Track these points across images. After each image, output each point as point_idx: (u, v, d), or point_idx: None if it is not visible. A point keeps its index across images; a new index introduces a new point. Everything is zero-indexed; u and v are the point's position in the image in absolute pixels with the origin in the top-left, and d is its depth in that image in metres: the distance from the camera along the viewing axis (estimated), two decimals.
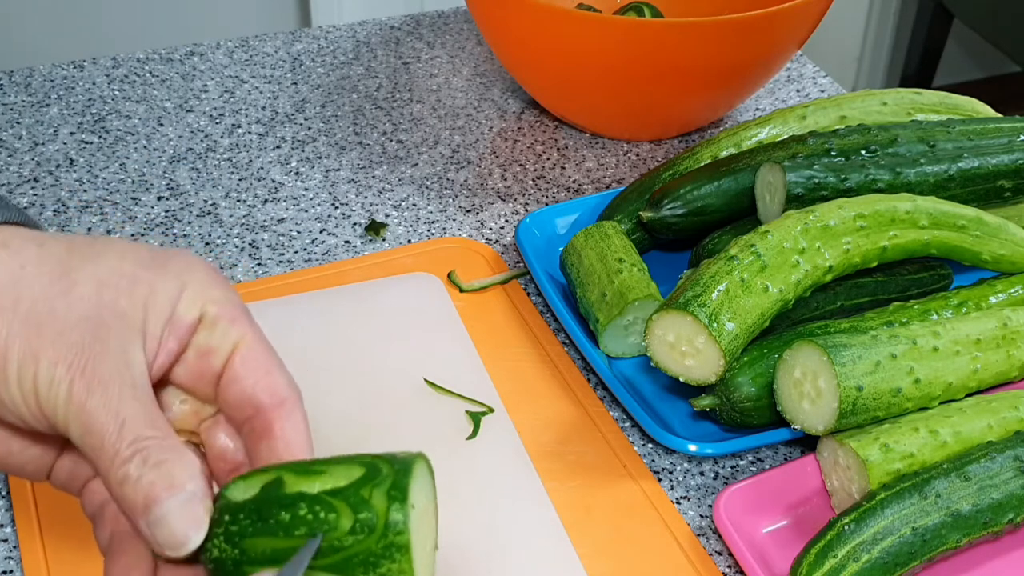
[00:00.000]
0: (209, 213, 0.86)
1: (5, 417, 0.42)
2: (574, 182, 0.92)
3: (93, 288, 0.41)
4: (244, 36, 1.11)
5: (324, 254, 0.83)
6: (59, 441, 0.45)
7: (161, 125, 0.97)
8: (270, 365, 0.44)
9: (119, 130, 0.96)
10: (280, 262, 0.82)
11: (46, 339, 0.40)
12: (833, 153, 0.75)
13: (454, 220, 0.87)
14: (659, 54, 0.85)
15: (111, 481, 0.39)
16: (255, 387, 0.43)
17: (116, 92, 1.01)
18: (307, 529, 0.39)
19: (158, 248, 0.45)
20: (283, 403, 0.43)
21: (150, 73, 1.04)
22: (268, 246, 0.83)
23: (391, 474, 0.40)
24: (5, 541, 0.61)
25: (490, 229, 0.86)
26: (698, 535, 0.63)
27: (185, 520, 0.39)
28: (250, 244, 0.83)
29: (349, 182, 0.91)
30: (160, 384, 0.44)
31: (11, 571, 0.60)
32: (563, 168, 0.94)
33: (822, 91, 1.06)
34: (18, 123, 0.96)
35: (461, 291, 0.79)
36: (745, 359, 0.66)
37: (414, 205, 0.88)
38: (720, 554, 0.62)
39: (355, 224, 0.86)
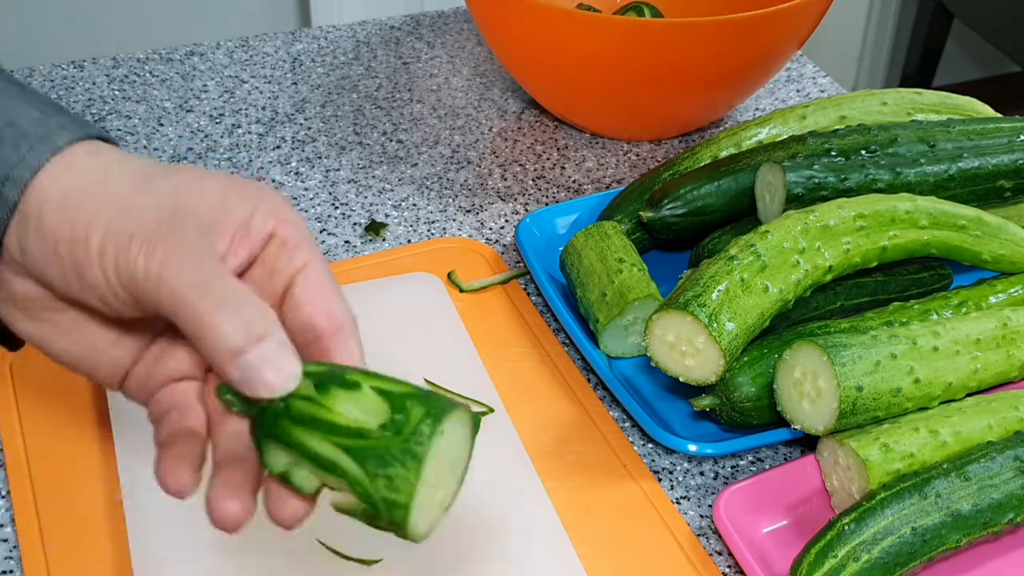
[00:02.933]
0: None
1: (90, 302, 0.44)
2: (574, 182, 0.92)
3: (170, 190, 0.44)
4: (244, 36, 1.11)
5: (324, 254, 0.83)
6: (141, 339, 0.48)
7: (161, 125, 0.97)
8: (330, 292, 0.46)
9: (119, 130, 0.96)
10: None
11: (124, 222, 0.43)
12: (833, 153, 0.75)
13: (454, 220, 0.87)
14: (659, 54, 0.85)
15: (200, 332, 0.42)
16: (314, 313, 0.45)
17: (116, 92, 1.01)
18: (349, 409, 0.42)
19: (236, 178, 0.47)
20: (339, 329, 0.45)
21: (150, 73, 1.04)
22: None
23: (438, 401, 0.42)
24: (5, 541, 0.61)
25: (490, 229, 0.86)
26: (698, 535, 0.63)
27: (280, 363, 0.42)
28: None
29: (349, 182, 0.91)
30: None
31: (11, 571, 0.60)
32: (563, 168, 0.94)
33: (822, 91, 1.06)
34: None
35: (461, 291, 0.79)
36: (745, 359, 0.66)
37: (414, 205, 0.88)
38: (720, 554, 0.62)
39: (355, 224, 0.86)
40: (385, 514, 0.41)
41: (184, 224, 0.43)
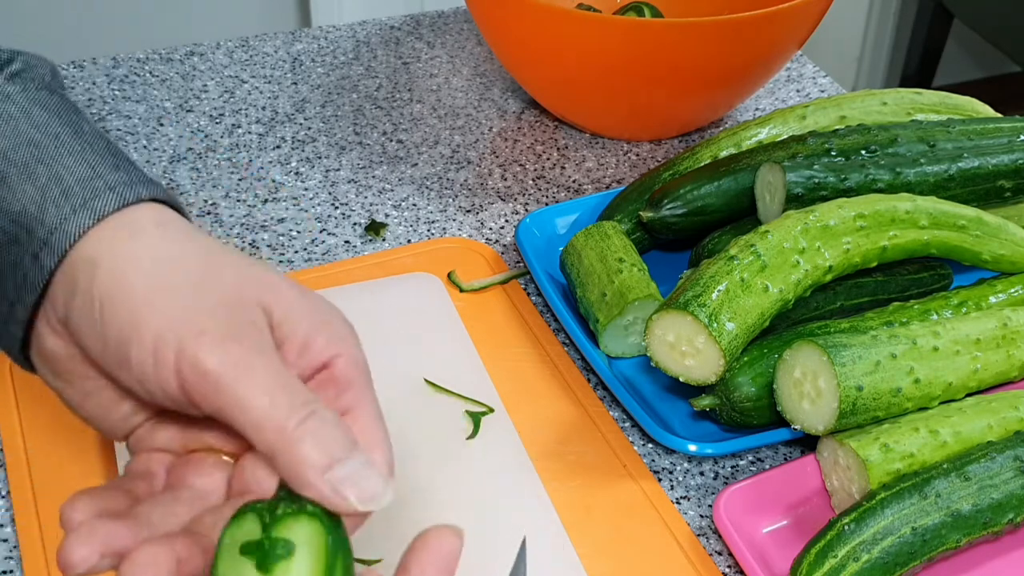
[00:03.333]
0: (209, 213, 0.86)
1: (128, 384, 0.41)
2: (574, 182, 0.92)
3: (238, 283, 0.41)
4: (244, 36, 1.11)
5: (324, 254, 0.83)
6: (155, 409, 0.44)
7: (161, 125, 0.97)
8: (371, 437, 0.42)
9: (119, 130, 0.96)
10: (280, 262, 0.82)
11: (191, 312, 0.39)
12: (833, 153, 0.75)
13: (454, 220, 0.87)
14: (659, 54, 0.85)
15: (283, 448, 0.38)
16: None
17: (116, 92, 1.01)
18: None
19: (306, 289, 0.44)
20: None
21: (150, 73, 1.04)
22: (268, 246, 0.83)
23: None
24: (5, 541, 0.61)
25: (490, 229, 0.86)
26: (698, 535, 0.63)
27: (371, 475, 0.39)
28: (250, 244, 0.83)
29: (349, 182, 0.91)
30: None
31: (11, 571, 0.60)
32: (563, 168, 0.94)
33: (822, 91, 1.06)
34: None
35: (461, 291, 0.79)
36: (745, 359, 0.66)
37: (414, 205, 0.88)
38: (720, 554, 0.62)
39: (355, 224, 0.86)
40: None
41: (259, 322, 0.40)
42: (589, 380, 0.73)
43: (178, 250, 0.41)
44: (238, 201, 0.88)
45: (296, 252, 0.83)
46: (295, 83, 1.04)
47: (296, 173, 0.92)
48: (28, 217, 0.41)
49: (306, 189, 0.90)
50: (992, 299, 0.72)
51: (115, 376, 0.42)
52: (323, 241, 0.84)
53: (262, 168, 0.92)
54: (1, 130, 0.43)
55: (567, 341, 0.76)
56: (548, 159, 0.95)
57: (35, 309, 0.42)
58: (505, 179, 0.92)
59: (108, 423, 0.45)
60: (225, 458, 0.45)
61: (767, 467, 0.68)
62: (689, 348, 0.65)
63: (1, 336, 0.44)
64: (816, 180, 0.73)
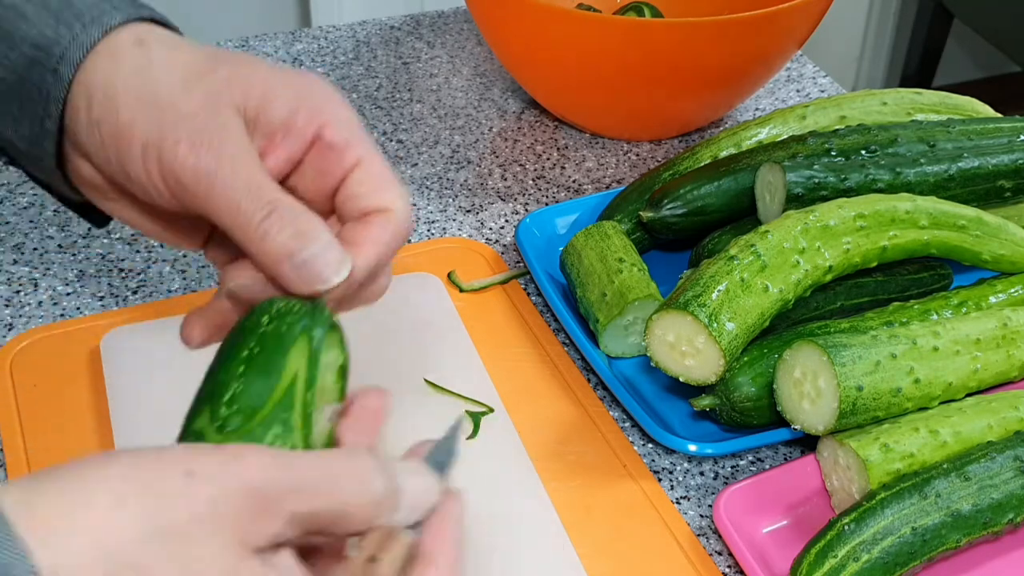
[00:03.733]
0: None
1: (137, 194, 0.46)
2: (574, 182, 0.92)
3: (216, 87, 0.45)
4: (244, 36, 1.11)
5: None
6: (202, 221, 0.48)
7: None
8: (385, 181, 0.46)
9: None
10: None
11: (170, 124, 0.43)
12: (833, 153, 0.75)
13: (454, 220, 0.87)
14: (659, 54, 0.85)
15: (250, 239, 0.43)
16: (369, 204, 0.46)
17: None
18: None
19: (287, 68, 0.48)
20: (385, 214, 0.46)
21: None
22: None
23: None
24: None
25: (490, 229, 0.86)
26: (698, 535, 0.63)
27: (329, 258, 0.43)
28: None
29: None
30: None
31: None
32: (563, 168, 0.94)
33: (822, 91, 1.06)
34: None
35: (461, 291, 0.79)
36: (745, 359, 0.66)
37: (414, 205, 0.88)
38: (720, 554, 0.62)
39: None
40: None
41: (230, 124, 0.44)
42: (589, 380, 0.73)
43: (163, 64, 0.45)
44: None
45: None
46: None
47: None
48: (46, 39, 0.45)
49: None
50: (992, 299, 0.72)
51: (130, 191, 0.46)
52: None
53: None
54: None
55: (567, 341, 0.76)
56: (548, 159, 0.95)
57: (61, 134, 0.47)
58: (505, 179, 0.92)
59: (181, 237, 0.50)
60: None
61: (767, 467, 0.68)
62: (689, 348, 0.65)
63: (43, 160, 0.48)
64: (816, 180, 0.73)
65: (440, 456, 0.44)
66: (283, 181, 0.47)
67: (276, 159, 0.46)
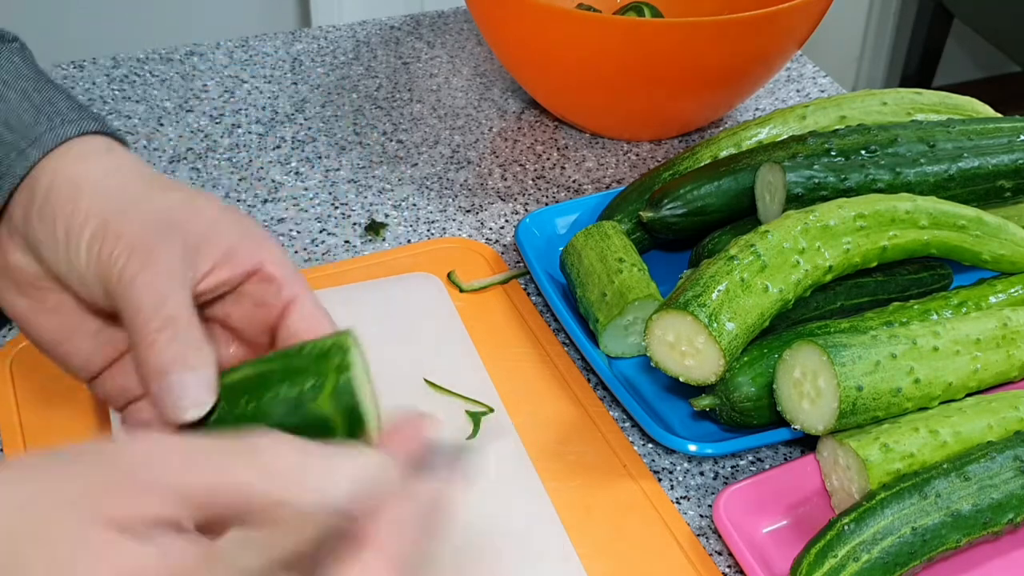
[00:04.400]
0: None
1: (72, 284, 0.48)
2: (574, 182, 0.92)
3: (169, 206, 0.48)
4: (244, 36, 1.11)
5: (324, 254, 0.83)
6: (119, 337, 0.50)
7: (161, 125, 0.97)
8: (322, 323, 0.49)
9: (119, 130, 0.96)
10: None
11: (120, 222, 0.46)
12: (833, 153, 0.75)
13: (454, 220, 0.87)
14: (659, 54, 0.85)
15: (140, 343, 0.44)
16: (306, 339, 0.48)
17: (116, 92, 1.01)
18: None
19: (232, 207, 0.51)
20: None
21: (150, 73, 1.04)
22: None
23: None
24: None
25: (490, 229, 0.86)
26: (698, 535, 0.63)
27: (193, 394, 0.44)
28: None
29: (349, 182, 0.91)
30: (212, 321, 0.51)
31: None
32: (563, 168, 0.94)
33: (822, 91, 1.06)
34: None
35: (461, 291, 0.79)
36: (745, 359, 0.66)
37: (414, 205, 0.88)
38: (720, 554, 0.62)
39: (355, 224, 0.86)
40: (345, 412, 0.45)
41: (172, 242, 0.46)
42: (589, 380, 0.73)
43: (127, 172, 0.49)
44: (238, 201, 0.88)
45: (296, 252, 0.83)
46: (295, 83, 1.04)
47: (296, 173, 0.92)
48: (22, 123, 0.49)
49: (306, 189, 0.90)
50: (992, 299, 0.72)
51: (66, 282, 0.48)
52: (323, 241, 0.84)
53: (262, 168, 0.92)
54: (2, 76, 0.52)
55: (567, 341, 0.76)
56: (548, 159, 0.95)
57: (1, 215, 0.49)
58: (505, 179, 0.92)
59: (77, 352, 0.51)
60: None
61: (767, 467, 0.68)
62: (689, 348, 0.65)
63: None
64: (816, 180, 0.73)
65: (437, 457, 0.44)
66: (217, 300, 0.49)
67: (214, 279, 0.48)
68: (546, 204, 0.89)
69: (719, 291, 0.64)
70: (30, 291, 0.50)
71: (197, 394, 0.44)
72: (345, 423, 0.45)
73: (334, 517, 0.39)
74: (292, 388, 0.45)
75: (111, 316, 0.49)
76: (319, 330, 0.48)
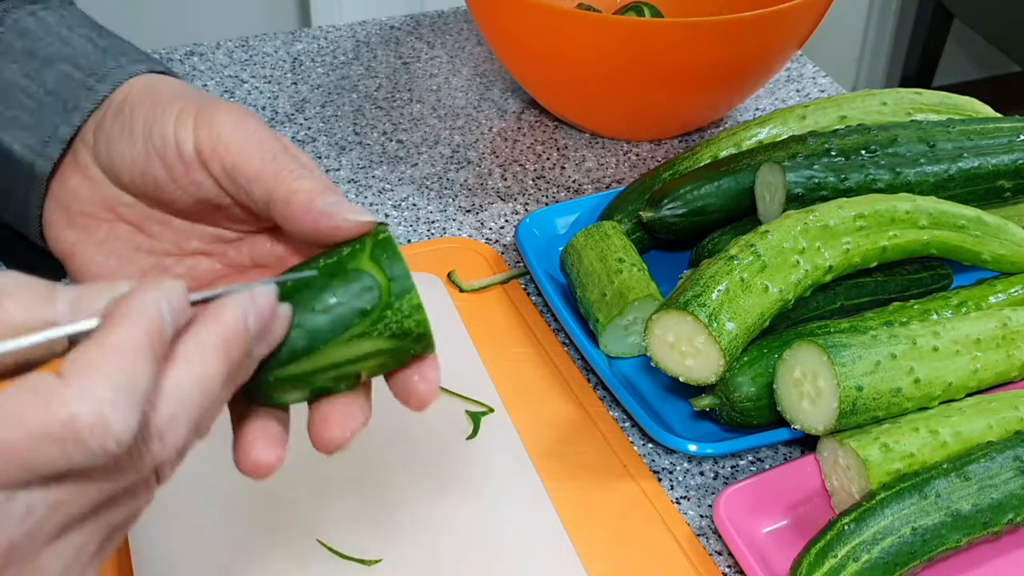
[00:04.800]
0: None
1: (151, 170, 0.47)
2: (574, 182, 0.92)
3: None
4: (244, 36, 1.11)
5: None
6: (171, 257, 0.50)
7: None
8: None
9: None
10: None
11: (208, 102, 0.47)
12: (833, 153, 0.75)
13: (454, 220, 0.87)
14: (659, 54, 0.85)
15: (287, 180, 0.44)
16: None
17: None
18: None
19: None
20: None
21: None
22: None
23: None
24: None
25: (490, 229, 0.86)
26: (698, 535, 0.63)
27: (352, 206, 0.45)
28: None
29: (349, 182, 0.91)
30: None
31: None
32: (563, 168, 0.94)
33: (822, 91, 1.06)
34: None
35: (461, 291, 0.79)
36: (745, 359, 0.66)
37: (414, 205, 0.88)
38: (720, 554, 0.62)
39: None
40: (410, 331, 0.44)
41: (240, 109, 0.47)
42: (589, 380, 0.73)
43: (193, 88, 0.49)
44: None
45: None
46: (295, 83, 1.04)
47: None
48: (89, 63, 0.50)
49: None
50: (992, 299, 0.72)
51: (141, 173, 0.47)
52: None
53: None
54: (66, 23, 0.52)
55: (567, 341, 0.76)
56: (548, 159, 0.95)
57: (66, 147, 0.49)
58: (505, 179, 0.92)
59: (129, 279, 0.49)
60: None
61: (767, 467, 0.68)
62: (689, 348, 0.65)
63: (33, 173, 0.49)
64: (816, 180, 0.73)
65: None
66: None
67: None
68: (546, 204, 0.89)
69: (719, 291, 0.64)
70: (81, 220, 0.49)
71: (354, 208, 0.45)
72: (388, 285, 0.43)
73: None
74: (330, 258, 0.44)
75: (164, 232, 0.49)
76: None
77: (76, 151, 0.49)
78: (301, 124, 0.98)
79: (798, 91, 1.06)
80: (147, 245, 0.50)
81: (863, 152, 0.75)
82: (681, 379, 0.66)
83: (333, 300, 0.42)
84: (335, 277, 0.43)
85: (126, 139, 0.47)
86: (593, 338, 0.73)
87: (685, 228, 0.78)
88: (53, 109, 0.49)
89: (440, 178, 0.92)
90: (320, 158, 0.93)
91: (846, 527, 0.58)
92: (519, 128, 0.99)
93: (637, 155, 0.96)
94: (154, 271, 0.50)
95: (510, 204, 0.89)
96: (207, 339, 0.37)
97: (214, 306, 0.38)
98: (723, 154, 0.83)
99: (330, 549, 0.59)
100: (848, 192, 0.73)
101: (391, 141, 0.96)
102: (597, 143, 0.97)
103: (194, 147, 0.45)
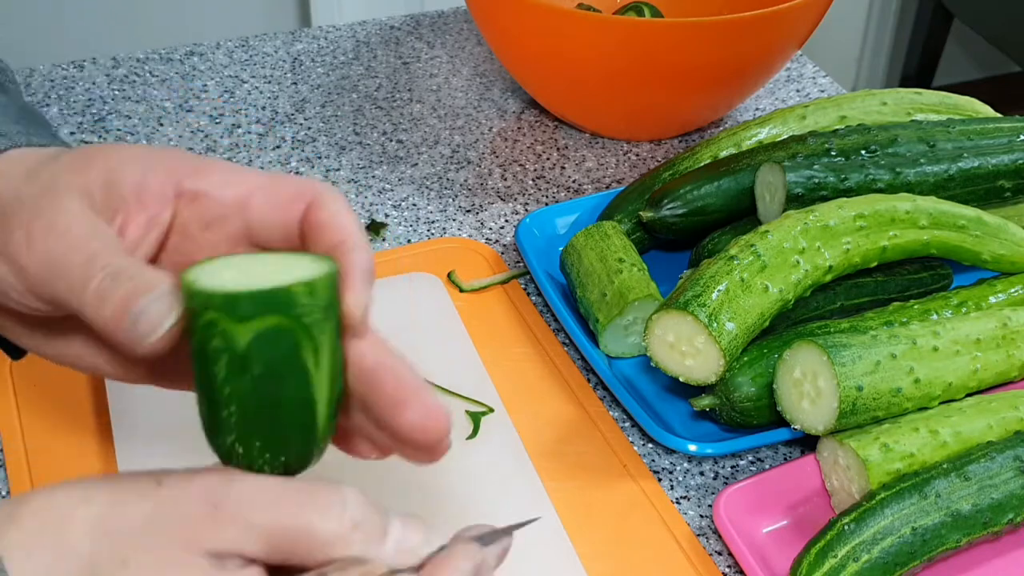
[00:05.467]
0: None
1: (8, 304, 0.44)
2: (574, 182, 0.92)
3: (54, 172, 0.44)
4: (244, 36, 1.11)
5: None
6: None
7: (161, 125, 0.97)
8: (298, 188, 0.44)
9: (119, 130, 0.96)
10: None
11: (10, 216, 0.42)
12: (833, 153, 0.75)
13: (454, 220, 0.87)
14: (659, 54, 0.85)
15: (88, 304, 0.40)
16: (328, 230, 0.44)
17: (116, 92, 1.01)
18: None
19: (157, 148, 0.46)
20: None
21: (150, 73, 1.04)
22: None
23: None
24: None
25: (490, 229, 0.86)
26: (698, 535, 0.63)
27: (162, 309, 0.40)
28: None
29: (349, 182, 0.91)
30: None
31: None
32: (563, 168, 0.94)
33: (822, 91, 1.06)
34: None
35: (461, 291, 0.79)
36: (745, 359, 0.66)
37: (414, 205, 0.88)
38: (720, 554, 0.62)
39: None
40: None
41: (69, 204, 0.42)
42: (589, 380, 0.73)
43: (11, 173, 0.45)
44: None
45: None
46: (295, 83, 1.04)
47: (296, 173, 0.91)
48: None
49: None
50: (992, 299, 0.72)
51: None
52: None
53: (262, 168, 0.92)
54: None
55: (567, 341, 0.76)
56: (548, 159, 0.95)
57: None
58: (505, 179, 0.92)
59: (98, 365, 0.47)
60: None
61: (767, 467, 0.68)
62: (689, 348, 0.65)
63: None
64: (816, 180, 0.73)
65: (486, 534, 0.44)
66: (164, 245, 0.45)
67: (137, 226, 0.43)
68: (546, 204, 0.89)
69: (719, 291, 0.64)
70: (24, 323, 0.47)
71: (164, 312, 0.40)
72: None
73: None
74: None
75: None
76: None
77: None
78: (301, 124, 0.98)
79: (798, 91, 1.06)
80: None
81: (863, 152, 0.75)
82: (681, 379, 0.66)
83: None
84: None
85: None
86: (593, 338, 0.73)
87: (685, 228, 0.78)
88: None
89: (440, 178, 0.92)
90: (320, 158, 0.93)
91: (846, 527, 0.58)
92: (519, 128, 0.99)
93: (637, 155, 0.96)
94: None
95: (510, 204, 0.89)
96: None
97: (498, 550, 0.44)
98: (723, 154, 0.83)
99: None
100: (848, 192, 0.73)
101: (391, 141, 0.96)
102: (597, 143, 0.97)
103: (25, 290, 0.43)
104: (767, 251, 0.66)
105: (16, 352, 0.53)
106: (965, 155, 0.75)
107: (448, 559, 0.41)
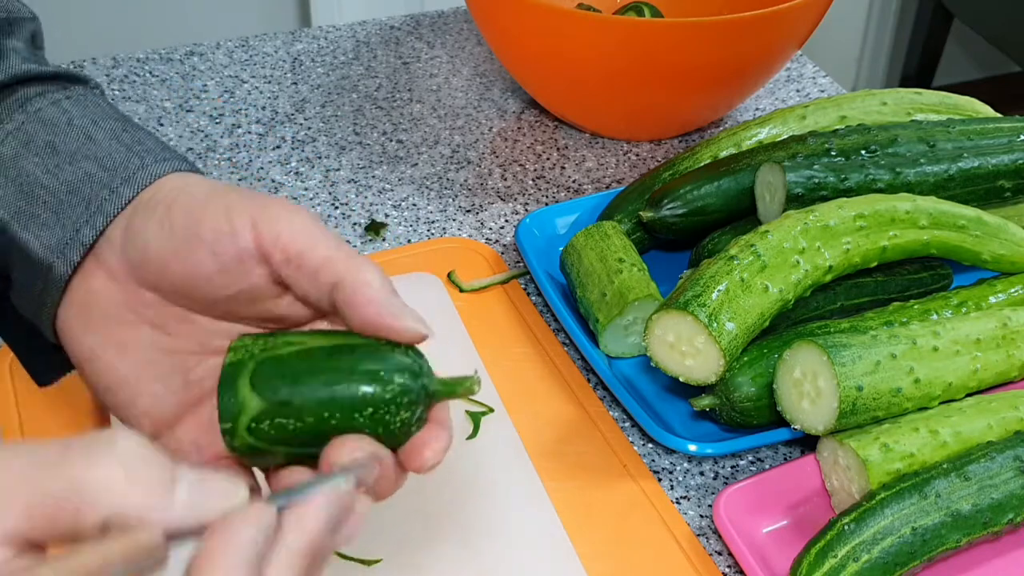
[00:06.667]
0: None
1: (190, 264, 0.46)
2: (574, 182, 0.92)
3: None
4: (244, 36, 1.11)
5: None
6: (187, 384, 0.48)
7: (161, 125, 0.97)
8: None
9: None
10: None
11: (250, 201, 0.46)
12: (833, 153, 0.75)
13: (454, 220, 0.87)
14: (659, 54, 0.85)
15: (351, 269, 0.45)
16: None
17: (116, 92, 1.01)
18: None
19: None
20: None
21: (150, 73, 1.04)
22: None
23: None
24: None
25: (490, 229, 0.86)
26: (698, 535, 0.63)
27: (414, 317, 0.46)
28: None
29: (349, 182, 0.91)
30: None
31: None
32: (563, 168, 0.94)
33: (822, 91, 1.06)
34: None
35: (461, 291, 0.79)
36: (745, 359, 0.66)
37: (414, 205, 0.88)
38: (720, 554, 0.62)
39: (355, 224, 0.86)
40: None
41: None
42: (589, 380, 0.73)
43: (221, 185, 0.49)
44: None
45: None
46: (295, 83, 1.04)
47: (296, 173, 0.92)
48: (113, 162, 0.49)
49: (306, 189, 0.90)
50: (992, 299, 0.72)
51: (178, 269, 0.46)
52: None
53: (262, 168, 0.92)
54: (90, 116, 0.51)
55: (567, 341, 0.76)
56: (548, 159, 0.95)
57: (88, 250, 0.47)
58: (505, 179, 0.92)
59: (139, 396, 0.48)
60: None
61: (767, 467, 0.68)
62: (689, 348, 0.65)
63: (50, 274, 0.48)
64: (816, 180, 0.73)
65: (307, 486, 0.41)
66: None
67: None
68: (546, 204, 0.89)
69: (719, 291, 0.64)
70: (101, 323, 0.48)
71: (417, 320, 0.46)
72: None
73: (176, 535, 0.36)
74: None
75: (185, 347, 0.48)
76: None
77: (99, 252, 0.48)
78: (301, 124, 0.98)
79: (798, 91, 1.06)
80: (169, 345, 0.48)
81: (863, 152, 0.75)
82: (681, 379, 0.66)
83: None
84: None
85: (164, 237, 0.46)
86: (593, 338, 0.73)
87: (685, 228, 0.78)
88: (74, 209, 0.48)
89: (440, 178, 0.92)
90: (320, 158, 0.93)
91: (846, 527, 0.58)
92: (519, 128, 0.99)
93: (637, 155, 0.96)
94: (175, 374, 0.48)
95: (510, 204, 0.89)
96: (295, 561, 0.38)
97: (297, 517, 0.39)
98: (723, 154, 0.83)
99: None
100: (848, 192, 0.73)
101: (391, 141, 0.96)
102: (597, 143, 0.97)
103: (253, 239, 0.45)
104: (767, 251, 0.66)
105: (45, 378, 0.54)
106: (965, 155, 0.75)
107: (230, 522, 0.37)
